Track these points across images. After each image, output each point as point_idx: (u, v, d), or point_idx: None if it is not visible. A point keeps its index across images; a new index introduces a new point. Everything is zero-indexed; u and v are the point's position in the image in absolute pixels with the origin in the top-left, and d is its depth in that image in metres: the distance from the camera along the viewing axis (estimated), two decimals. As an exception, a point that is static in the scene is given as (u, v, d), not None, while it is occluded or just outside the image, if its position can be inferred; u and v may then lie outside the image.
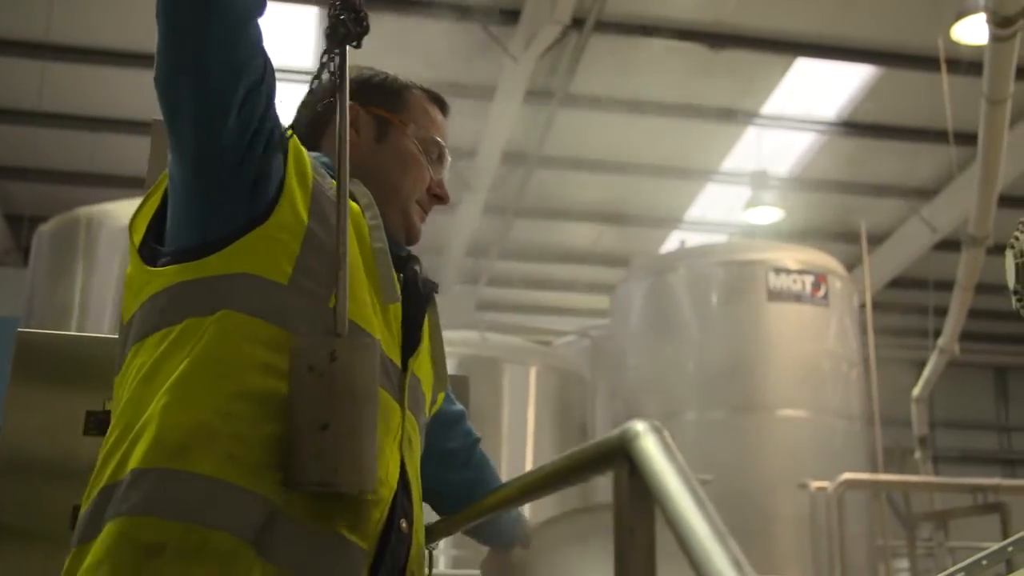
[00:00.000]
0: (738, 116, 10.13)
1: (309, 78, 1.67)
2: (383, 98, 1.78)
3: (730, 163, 11.04)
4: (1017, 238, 2.51)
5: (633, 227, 12.00)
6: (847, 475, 7.79)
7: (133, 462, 1.38)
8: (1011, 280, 2.52)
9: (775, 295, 8.42)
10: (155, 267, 1.50)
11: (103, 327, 5.59)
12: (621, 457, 0.98)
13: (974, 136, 8.14)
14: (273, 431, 1.40)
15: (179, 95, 1.44)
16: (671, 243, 12.21)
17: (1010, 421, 16.39)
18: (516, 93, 8.87)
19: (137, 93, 9.16)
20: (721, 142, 10.66)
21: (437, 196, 1.79)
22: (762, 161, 10.59)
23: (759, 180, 10.73)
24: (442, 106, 1.86)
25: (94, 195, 8.21)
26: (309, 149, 1.64)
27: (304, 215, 1.51)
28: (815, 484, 7.75)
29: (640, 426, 0.96)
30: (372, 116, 1.76)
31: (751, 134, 10.46)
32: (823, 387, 8.41)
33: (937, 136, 9.42)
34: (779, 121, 10.22)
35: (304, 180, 1.54)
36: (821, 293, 8.62)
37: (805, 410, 8.30)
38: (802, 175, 11.10)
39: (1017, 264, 2.50)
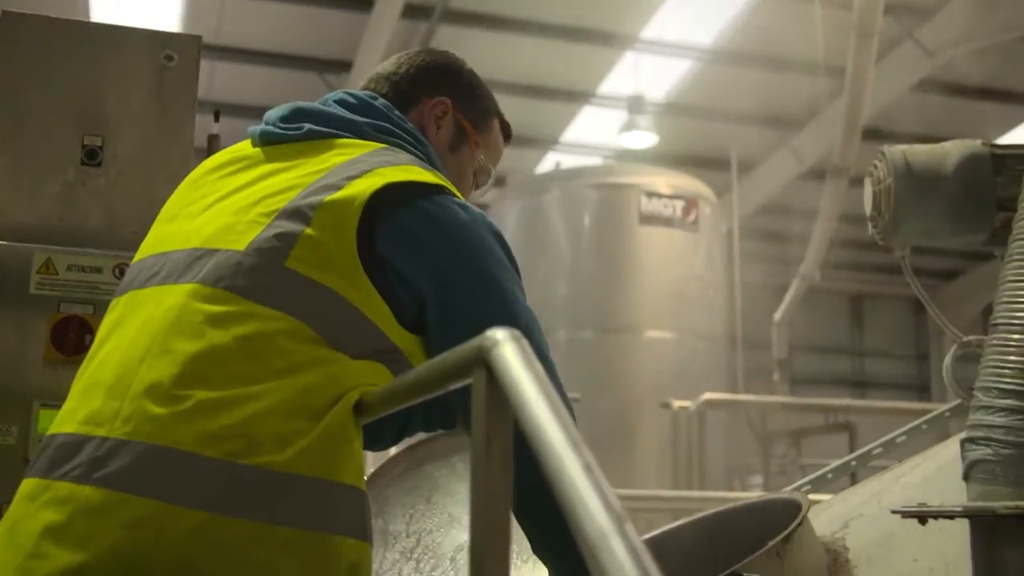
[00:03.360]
0: (617, 39, 10.14)
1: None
2: (474, 113, 1.82)
3: (607, 86, 11.08)
4: (876, 166, 2.59)
5: (508, 146, 11.97)
6: (708, 395, 8.06)
7: (347, 476, 1.36)
8: (868, 207, 2.61)
9: (646, 219, 8.56)
10: (367, 276, 1.44)
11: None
12: (480, 365, 0.97)
13: (843, 69, 8.35)
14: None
15: None
16: (546, 164, 12.24)
17: (863, 346, 17.14)
18: (394, 7, 8.68)
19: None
20: (599, 65, 10.67)
21: None
22: (639, 86, 10.65)
23: (635, 104, 10.80)
24: (508, 139, 1.93)
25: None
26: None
27: None
28: (678, 403, 8.00)
29: (499, 334, 0.96)
30: (456, 121, 1.78)
31: (629, 58, 10.49)
32: (689, 310, 8.64)
33: (808, 67, 9.62)
34: (657, 46, 10.27)
35: None
36: (691, 218, 8.79)
37: (671, 332, 8.51)
38: (677, 101, 11.22)
39: (875, 192, 2.58)
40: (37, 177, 2.38)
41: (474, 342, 0.99)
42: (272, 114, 1.65)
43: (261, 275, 1.40)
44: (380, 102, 1.68)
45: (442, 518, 2.08)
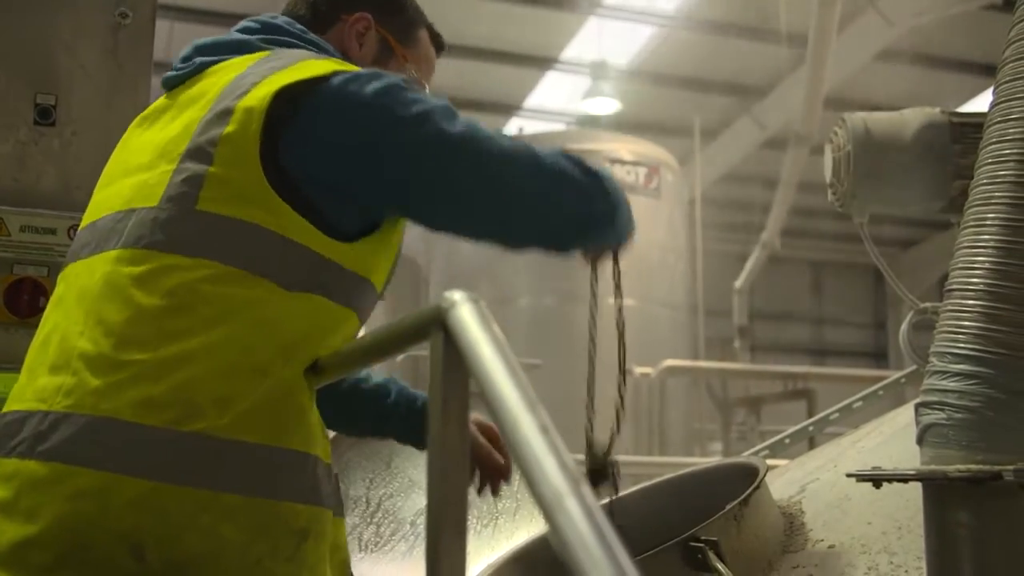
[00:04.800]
0: (580, 5, 10.09)
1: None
2: (397, 25, 1.73)
3: (571, 52, 11.03)
4: (836, 133, 2.60)
5: (472, 112, 11.85)
6: (669, 361, 8.11)
7: (295, 441, 1.34)
8: (828, 173, 2.62)
9: (609, 185, 8.55)
10: (283, 199, 1.38)
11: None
12: (437, 327, 0.97)
13: (806, 37, 8.36)
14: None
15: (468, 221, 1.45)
16: (509, 130, 12.19)
17: (822, 314, 17.31)
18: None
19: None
20: (563, 30, 10.61)
21: None
22: (602, 51, 10.62)
23: (598, 70, 10.77)
24: (440, 50, 1.83)
25: None
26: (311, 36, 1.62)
27: (402, 226, 1.53)
28: (639, 370, 8.04)
29: (457, 296, 0.95)
30: (380, 37, 1.70)
31: (592, 24, 10.45)
32: (651, 277, 8.66)
33: (771, 36, 9.63)
34: (620, 12, 10.23)
35: None
36: (653, 185, 8.80)
37: (632, 299, 8.49)
38: (641, 68, 11.19)
39: (835, 158, 2.59)
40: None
41: (432, 303, 0.98)
42: (175, 58, 1.61)
43: (176, 225, 1.37)
44: (281, 19, 1.64)
45: (402, 482, 2.08)
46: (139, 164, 1.47)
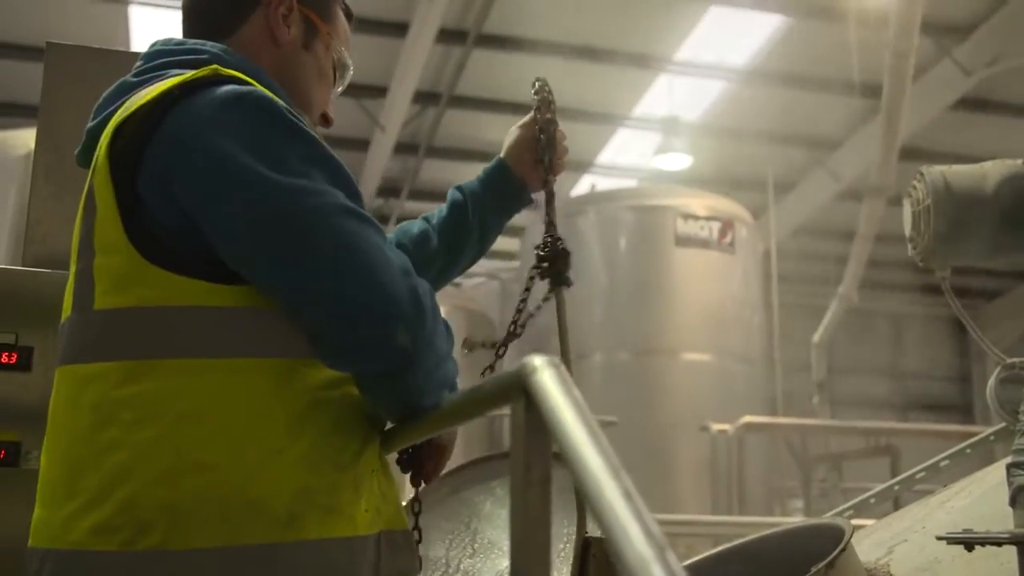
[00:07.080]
0: (651, 62, 10.15)
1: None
2: (319, 3, 1.62)
3: (642, 108, 11.07)
4: (915, 187, 2.57)
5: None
6: (747, 418, 7.99)
7: (257, 533, 1.23)
8: (908, 228, 2.59)
9: (683, 240, 8.52)
10: (161, 268, 1.29)
11: (-3, 260, 5.40)
12: (518, 391, 0.97)
13: (879, 88, 8.30)
14: (358, 472, 1.35)
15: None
16: (582, 187, 12.24)
17: (904, 367, 16.95)
18: (429, 32, 8.75)
19: (31, 16, 8.81)
20: (634, 87, 10.67)
21: (325, 117, 1.65)
22: (673, 107, 10.64)
23: (670, 126, 10.78)
24: (351, 20, 1.73)
25: (-12, 123, 7.88)
26: (224, 30, 1.53)
27: None
28: (716, 426, 7.93)
29: (538, 361, 0.96)
30: (303, 17, 1.59)
31: (663, 80, 10.49)
32: (726, 332, 8.58)
33: (844, 87, 9.58)
34: (691, 68, 10.26)
35: None
36: (727, 239, 8.75)
37: (708, 354, 8.45)
38: (712, 122, 11.19)
39: (914, 212, 2.56)
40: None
41: (513, 368, 0.99)
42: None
43: (83, 332, 1.34)
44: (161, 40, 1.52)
45: (481, 543, 2.07)
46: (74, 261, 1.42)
